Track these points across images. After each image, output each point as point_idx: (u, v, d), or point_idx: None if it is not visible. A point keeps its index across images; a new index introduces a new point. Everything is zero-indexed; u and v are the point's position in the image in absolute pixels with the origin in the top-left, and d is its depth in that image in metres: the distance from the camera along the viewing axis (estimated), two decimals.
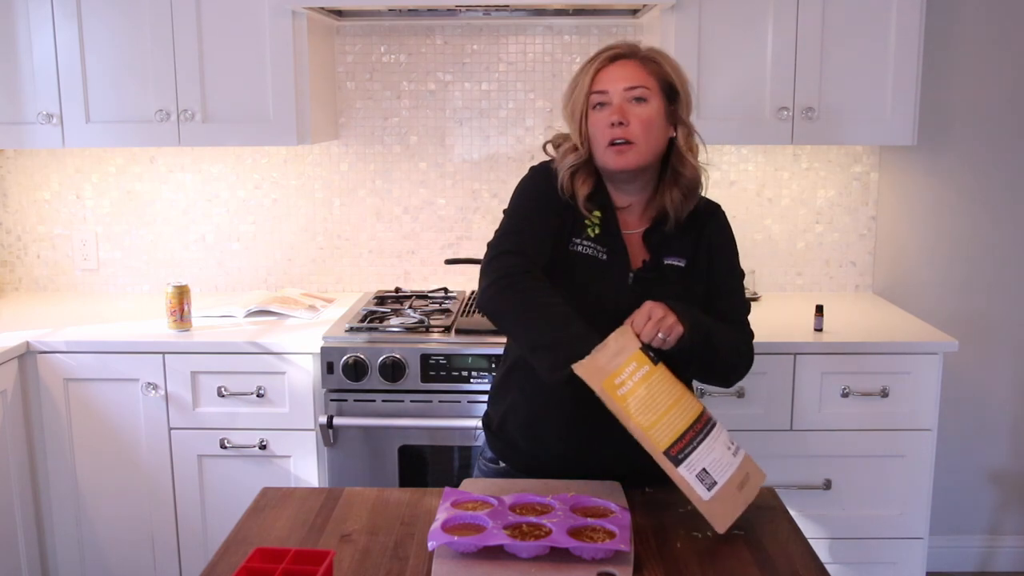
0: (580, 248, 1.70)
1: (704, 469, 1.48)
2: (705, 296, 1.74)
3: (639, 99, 1.66)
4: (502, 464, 1.81)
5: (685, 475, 1.46)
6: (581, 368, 1.48)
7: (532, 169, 1.79)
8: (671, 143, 1.72)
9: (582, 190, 1.70)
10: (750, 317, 1.81)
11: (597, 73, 1.67)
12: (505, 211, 1.76)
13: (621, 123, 1.65)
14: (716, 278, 1.76)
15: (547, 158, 1.79)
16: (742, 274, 1.84)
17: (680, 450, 1.47)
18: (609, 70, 1.67)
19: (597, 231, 1.71)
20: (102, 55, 2.66)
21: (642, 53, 1.69)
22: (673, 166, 1.72)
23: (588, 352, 1.49)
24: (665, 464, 1.47)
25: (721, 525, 1.47)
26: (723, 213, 1.82)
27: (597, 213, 1.71)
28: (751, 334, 1.79)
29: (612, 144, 1.66)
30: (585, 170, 1.71)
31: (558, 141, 1.77)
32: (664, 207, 1.72)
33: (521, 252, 1.66)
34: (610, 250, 1.71)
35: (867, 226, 3.05)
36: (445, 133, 3.04)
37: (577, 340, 1.52)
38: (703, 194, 1.77)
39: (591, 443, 1.71)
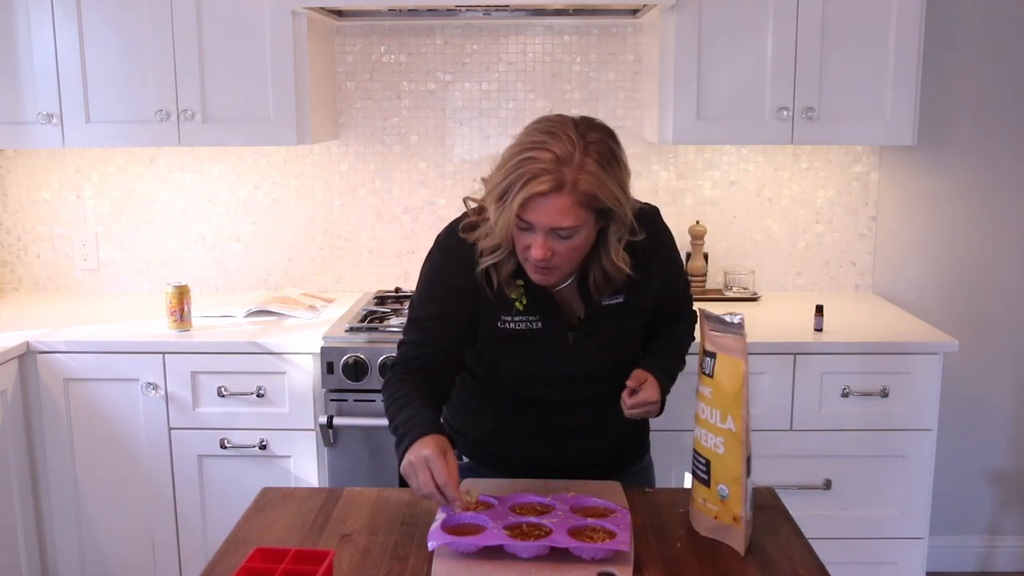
0: (511, 325, 1.64)
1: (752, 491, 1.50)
2: (649, 310, 1.73)
3: (566, 236, 1.51)
4: (465, 460, 1.81)
5: (749, 487, 1.46)
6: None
7: (437, 244, 1.69)
8: (601, 231, 1.58)
9: (504, 271, 1.61)
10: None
11: (525, 201, 1.47)
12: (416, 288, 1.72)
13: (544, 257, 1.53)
14: (658, 304, 1.74)
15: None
16: (681, 266, 1.82)
17: (749, 467, 1.47)
18: (538, 203, 1.47)
19: (525, 301, 1.63)
20: (102, 55, 2.66)
21: (577, 188, 1.46)
22: (598, 249, 1.59)
23: (411, 441, 1.50)
24: (742, 467, 1.45)
25: (742, 547, 1.46)
26: (656, 222, 1.70)
27: (520, 282, 1.62)
28: (691, 302, 1.86)
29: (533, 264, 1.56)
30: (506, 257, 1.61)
31: (481, 204, 1.62)
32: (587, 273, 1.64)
33: (419, 343, 1.66)
34: (542, 316, 1.64)
35: (867, 226, 3.05)
36: (445, 133, 3.04)
37: (404, 426, 1.54)
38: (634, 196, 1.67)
39: (553, 446, 1.72)
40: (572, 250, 1.54)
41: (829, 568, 1.43)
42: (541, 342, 1.65)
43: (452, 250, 1.66)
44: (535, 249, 1.51)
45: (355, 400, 2.48)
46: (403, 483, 2.45)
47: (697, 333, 1.56)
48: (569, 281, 1.66)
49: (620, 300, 1.67)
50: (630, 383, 1.61)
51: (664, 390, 1.66)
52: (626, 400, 1.61)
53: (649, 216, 1.68)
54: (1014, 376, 3.10)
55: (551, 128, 1.49)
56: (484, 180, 1.61)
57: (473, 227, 1.63)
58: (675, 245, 1.77)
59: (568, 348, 1.66)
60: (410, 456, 1.48)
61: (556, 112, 1.59)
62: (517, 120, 3.01)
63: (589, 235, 1.54)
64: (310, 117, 2.69)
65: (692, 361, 1.66)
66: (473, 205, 1.65)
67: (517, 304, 1.64)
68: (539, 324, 1.64)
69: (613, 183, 1.49)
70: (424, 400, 1.58)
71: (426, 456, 1.46)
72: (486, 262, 1.60)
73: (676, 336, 1.78)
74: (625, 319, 1.68)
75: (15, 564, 2.51)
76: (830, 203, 3.04)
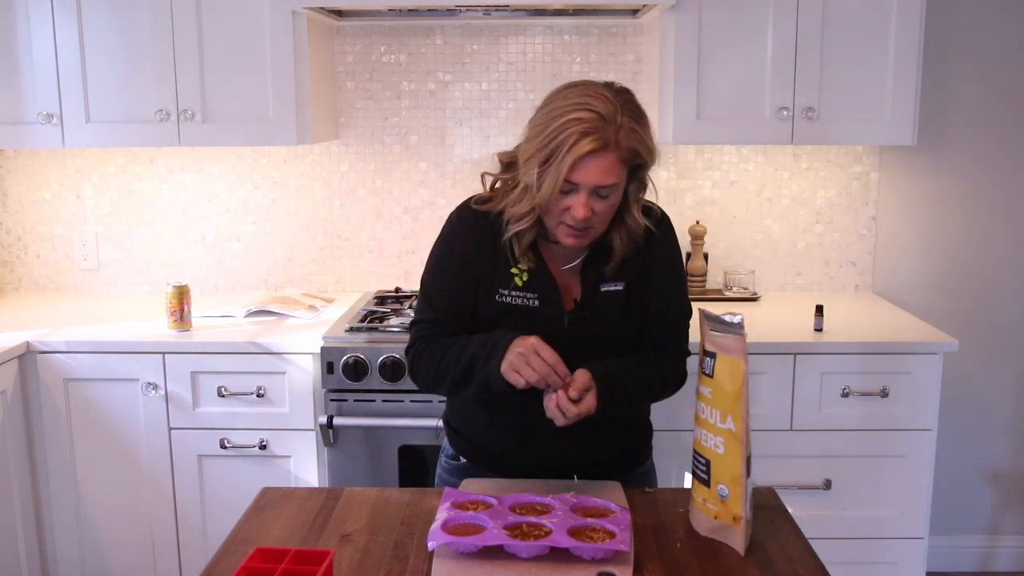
0: (508, 299, 1.66)
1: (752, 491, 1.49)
2: (644, 308, 1.72)
3: (606, 195, 1.55)
4: (463, 460, 1.81)
5: (749, 487, 1.46)
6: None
7: (448, 219, 1.72)
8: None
9: (525, 239, 1.64)
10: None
11: (575, 161, 1.50)
12: (427, 263, 1.74)
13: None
14: (648, 301, 1.71)
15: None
16: (682, 284, 1.77)
17: (749, 467, 1.47)
18: (586, 163, 1.51)
19: (525, 278, 1.66)
20: (102, 55, 2.66)
21: (621, 146, 1.52)
22: (620, 212, 1.63)
23: (508, 341, 1.53)
24: (742, 467, 1.45)
25: (742, 547, 1.46)
26: (665, 225, 1.73)
27: (530, 256, 1.66)
28: (683, 356, 1.74)
29: (570, 225, 1.59)
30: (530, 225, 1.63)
31: (498, 177, 1.67)
32: (606, 243, 1.66)
33: (434, 320, 1.69)
34: (541, 295, 1.66)
35: (867, 226, 3.05)
36: (445, 133, 3.04)
37: (491, 340, 1.57)
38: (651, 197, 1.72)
39: (549, 443, 1.71)
40: (609, 208, 1.58)
41: (829, 568, 1.43)
42: (536, 321, 1.65)
43: (463, 221, 1.70)
44: (578, 208, 1.55)
45: (355, 400, 2.48)
46: (403, 483, 2.48)
47: (697, 334, 1.56)
48: (576, 262, 1.68)
49: (620, 287, 1.68)
50: (574, 388, 1.54)
51: (602, 406, 1.57)
52: (563, 401, 1.53)
53: (663, 216, 1.73)
54: (1014, 376, 3.10)
55: (586, 91, 1.54)
56: (500, 155, 1.67)
57: (487, 201, 1.68)
58: (680, 257, 1.77)
59: (563, 330, 1.66)
60: (517, 348, 1.52)
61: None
62: (517, 120, 3.01)
63: (621, 193, 1.59)
64: (310, 117, 2.69)
65: (692, 362, 1.66)
66: (490, 180, 1.69)
67: (516, 280, 1.66)
68: (536, 302, 1.66)
69: (648, 137, 1.57)
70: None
71: (534, 343, 1.52)
72: (514, 228, 1.63)
73: (643, 367, 1.68)
74: (623, 308, 1.68)
75: (15, 564, 2.51)
76: (830, 203, 3.04)
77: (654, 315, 1.71)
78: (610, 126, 1.51)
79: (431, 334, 1.69)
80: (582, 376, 1.56)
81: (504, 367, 1.52)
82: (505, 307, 1.66)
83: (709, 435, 1.49)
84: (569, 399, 1.53)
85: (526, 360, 1.51)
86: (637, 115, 1.55)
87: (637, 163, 1.57)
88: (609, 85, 1.57)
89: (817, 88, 2.61)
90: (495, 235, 1.66)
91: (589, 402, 1.54)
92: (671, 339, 1.74)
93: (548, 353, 1.51)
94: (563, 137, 1.51)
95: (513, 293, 1.66)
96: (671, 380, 1.73)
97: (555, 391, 1.52)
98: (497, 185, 1.69)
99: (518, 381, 1.52)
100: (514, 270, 1.66)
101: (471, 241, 1.68)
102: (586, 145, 1.50)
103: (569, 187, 1.54)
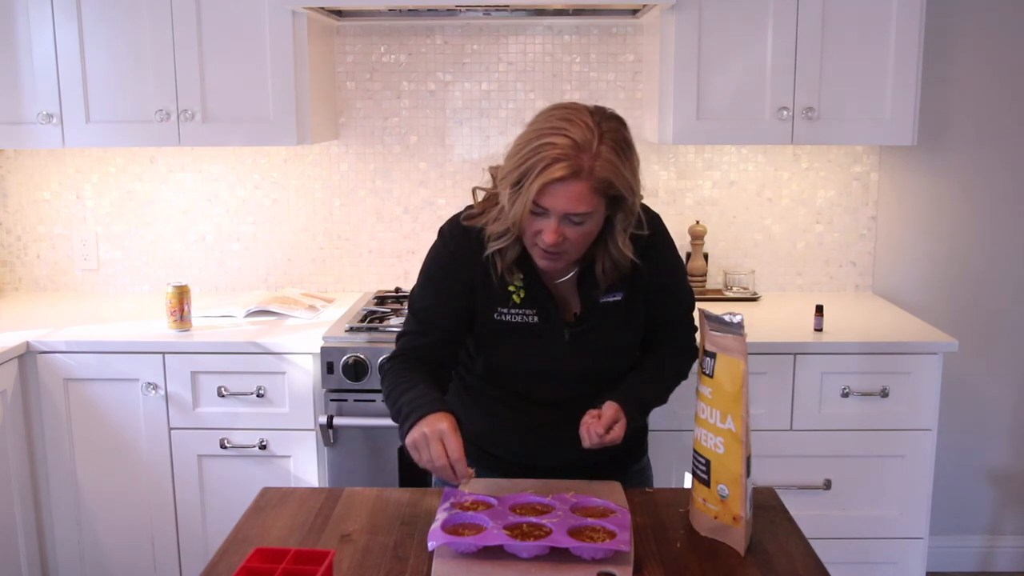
0: (507, 317, 1.65)
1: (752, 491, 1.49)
2: (646, 314, 1.72)
3: (579, 222, 1.53)
4: None
5: (749, 487, 1.46)
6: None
7: (439, 234, 1.72)
8: (608, 219, 1.59)
9: (508, 257, 1.63)
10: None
11: (543, 187, 1.48)
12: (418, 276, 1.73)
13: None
14: (654, 305, 1.71)
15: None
16: (683, 277, 1.77)
17: (749, 467, 1.46)
18: (555, 189, 1.48)
19: (522, 294, 1.65)
20: (102, 55, 2.66)
21: (594, 175, 1.48)
22: (604, 238, 1.62)
23: (420, 416, 1.50)
24: (742, 467, 1.45)
25: (742, 547, 1.46)
26: (660, 231, 1.71)
27: (520, 275, 1.65)
28: (693, 337, 1.77)
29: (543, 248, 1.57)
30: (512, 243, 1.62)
31: (490, 192, 1.65)
32: (593, 263, 1.65)
33: (422, 333, 1.68)
34: (539, 311, 1.65)
35: (867, 226, 3.05)
36: (445, 133, 3.04)
37: (413, 403, 1.54)
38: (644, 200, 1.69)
39: (547, 444, 1.72)
40: (583, 236, 1.56)
41: (829, 568, 1.43)
42: (536, 336, 1.66)
43: (454, 239, 1.69)
44: (547, 234, 1.53)
45: (355, 400, 2.48)
46: (403, 483, 2.48)
47: (697, 334, 1.56)
48: (570, 275, 1.68)
49: (619, 298, 1.68)
50: (602, 423, 1.56)
51: (632, 425, 1.62)
52: (593, 436, 1.56)
53: (653, 219, 1.71)
54: (1014, 376, 3.10)
55: (568, 115, 1.51)
56: (491, 169, 1.66)
57: (476, 216, 1.66)
58: (679, 257, 1.77)
59: (564, 344, 1.66)
60: (424, 428, 1.48)
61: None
62: (517, 120, 3.01)
63: (599, 222, 1.57)
64: (310, 117, 2.69)
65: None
66: (482, 194, 1.67)
67: (515, 297, 1.65)
68: (535, 318, 1.66)
69: (628, 171, 1.53)
70: (428, 383, 1.60)
71: (442, 429, 1.47)
72: (493, 246, 1.62)
73: (664, 371, 1.73)
74: (623, 318, 1.68)
75: (15, 564, 2.51)
76: (830, 203, 3.04)
77: (663, 317, 1.72)
78: (584, 154, 1.48)
79: (411, 348, 1.68)
80: (609, 410, 1.58)
81: (408, 441, 1.50)
82: (505, 325, 1.66)
83: (709, 435, 1.49)
84: (596, 433, 1.55)
85: (427, 445, 1.47)
86: (620, 146, 1.51)
87: (613, 193, 1.53)
88: (599, 110, 1.54)
89: (817, 88, 2.61)
90: (484, 251, 1.64)
91: (617, 432, 1.56)
92: (682, 329, 1.76)
93: (453, 446, 1.46)
94: (534, 161, 1.49)
95: (512, 311, 1.66)
96: (687, 367, 1.76)
97: (459, 480, 1.49)
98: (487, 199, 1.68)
99: (416, 459, 1.50)
100: (511, 287, 1.65)
101: (460, 257, 1.67)
102: (556, 171, 1.47)
103: (540, 210, 1.52)
